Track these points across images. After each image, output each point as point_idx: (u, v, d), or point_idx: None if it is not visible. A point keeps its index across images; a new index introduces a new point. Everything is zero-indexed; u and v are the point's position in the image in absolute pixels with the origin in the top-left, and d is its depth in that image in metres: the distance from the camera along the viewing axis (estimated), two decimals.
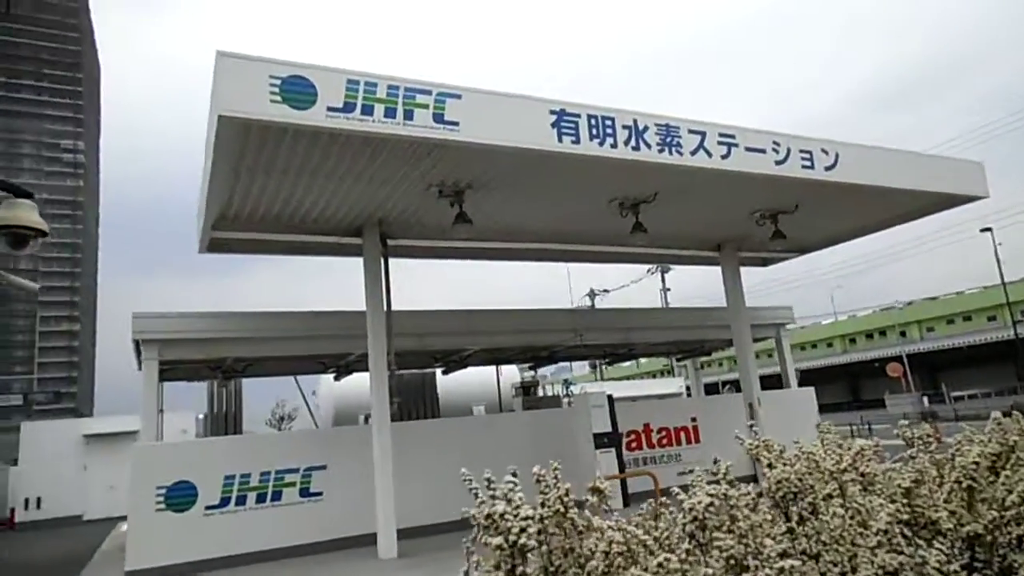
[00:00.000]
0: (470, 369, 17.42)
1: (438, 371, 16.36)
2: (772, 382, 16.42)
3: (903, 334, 60.70)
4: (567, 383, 23.51)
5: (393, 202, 9.02)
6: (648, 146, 7.84)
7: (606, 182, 8.92)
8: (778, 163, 8.73)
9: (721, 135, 8.34)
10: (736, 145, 8.42)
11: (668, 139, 7.99)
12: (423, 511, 10.16)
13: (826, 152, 9.13)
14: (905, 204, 10.86)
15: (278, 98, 6.06)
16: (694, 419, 13.01)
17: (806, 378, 53.88)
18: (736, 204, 10.50)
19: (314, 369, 13.46)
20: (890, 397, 39.38)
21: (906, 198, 10.38)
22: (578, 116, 7.45)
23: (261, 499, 9.65)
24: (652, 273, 33.79)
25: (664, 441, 12.62)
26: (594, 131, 7.53)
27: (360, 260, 9.64)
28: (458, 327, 11.80)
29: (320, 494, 9.99)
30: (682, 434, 12.82)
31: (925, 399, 38.52)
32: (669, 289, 35.26)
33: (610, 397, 10.70)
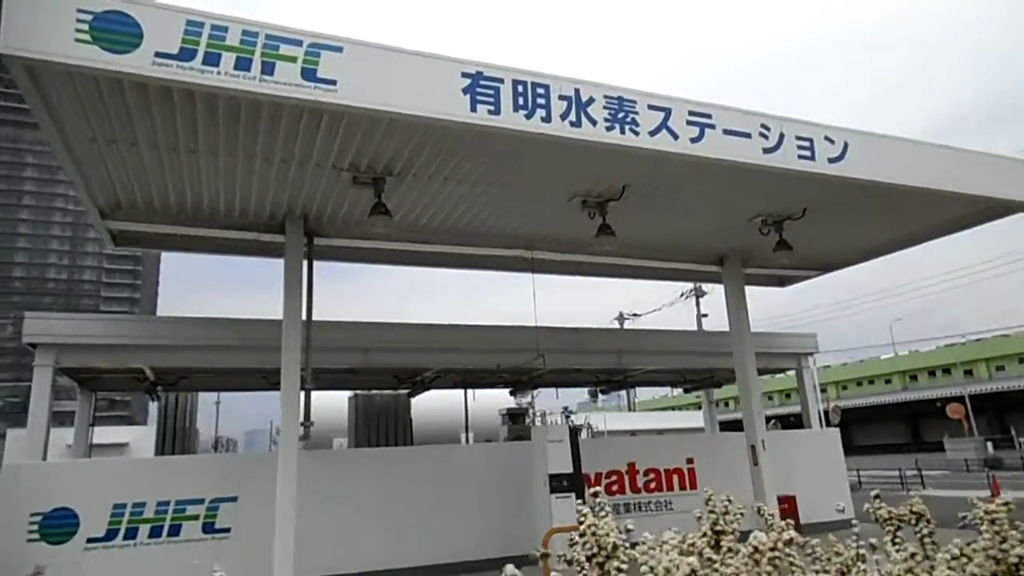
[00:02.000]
0: (459, 393, 15.98)
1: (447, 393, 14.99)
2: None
3: (969, 372, 56.37)
4: (567, 412, 21.68)
5: (311, 192, 7.73)
6: (593, 122, 6.32)
7: (556, 171, 7.42)
8: (767, 151, 7.07)
9: (692, 113, 6.76)
10: (711, 126, 6.82)
11: (620, 115, 6.46)
12: (348, 556, 8.75)
13: (831, 140, 7.43)
14: (939, 211, 9.00)
15: (87, 37, 4.80)
16: (691, 460, 11.19)
17: (860, 416, 50.53)
18: (730, 206, 8.82)
19: (258, 384, 12.24)
20: (949, 441, 35.91)
21: (939, 202, 8.53)
22: (500, 81, 6.00)
23: (155, 533, 8.37)
24: (686, 297, 31.75)
25: (652, 485, 10.84)
26: (520, 100, 6.06)
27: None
28: (406, 342, 10.36)
29: (227, 530, 8.65)
30: (675, 477, 11.02)
31: (990, 444, 35.00)
32: (706, 315, 32.98)
33: (574, 431, 9.05)
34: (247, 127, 6.15)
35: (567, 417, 20.81)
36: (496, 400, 16.40)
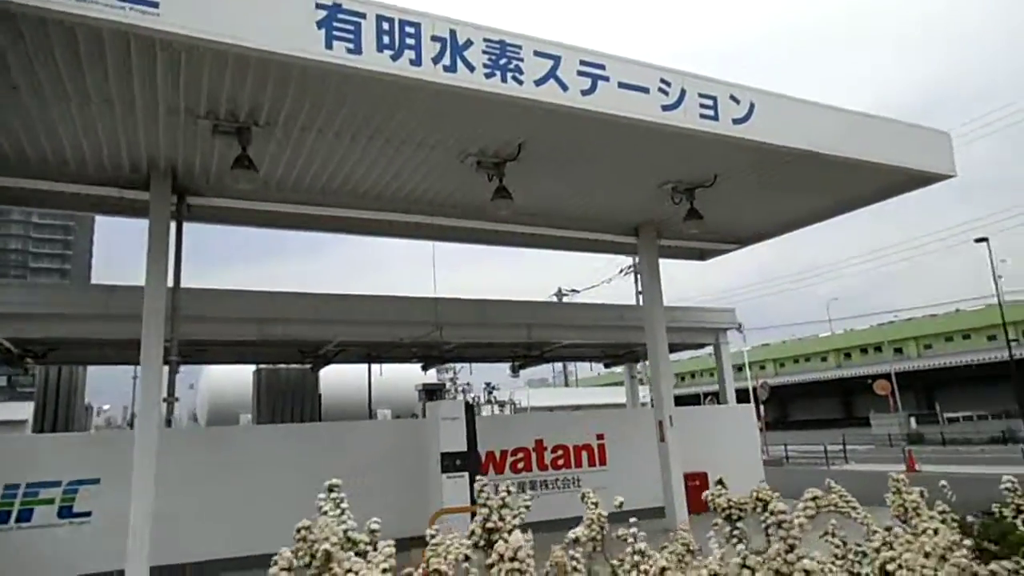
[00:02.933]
0: (384, 368, 15.39)
1: (365, 367, 14.30)
2: (742, 396, 14.31)
3: (899, 351, 58.28)
4: (489, 387, 21.33)
5: (170, 143, 6.92)
6: (471, 68, 5.71)
7: (440, 125, 6.80)
8: (666, 108, 6.58)
9: (584, 63, 6.20)
10: (605, 78, 6.28)
11: (502, 61, 5.86)
12: (226, 541, 8.11)
13: (736, 100, 6.99)
14: (855, 180, 8.66)
15: None
16: (601, 436, 10.85)
17: (797, 392, 52.13)
18: (638, 171, 8.35)
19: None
20: (875, 416, 37.02)
21: (851, 173, 8.19)
22: (361, 16, 5.33)
23: (2, 519, 7.56)
24: (624, 273, 31.58)
25: (560, 462, 10.47)
26: (386, 39, 5.40)
27: None
28: (302, 313, 9.66)
29: (88, 514, 7.90)
30: (584, 454, 10.67)
31: (913, 420, 36.17)
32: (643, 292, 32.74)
33: (471, 407, 8.56)
34: (66, 59, 5.33)
35: (490, 392, 20.43)
36: (416, 375, 15.84)
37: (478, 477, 2.66)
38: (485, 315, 10.67)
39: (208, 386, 14.93)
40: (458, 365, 19.79)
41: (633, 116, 6.38)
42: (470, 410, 8.48)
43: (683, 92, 6.68)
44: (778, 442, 30.68)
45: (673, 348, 14.10)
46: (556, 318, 11.58)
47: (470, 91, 5.72)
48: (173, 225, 7.71)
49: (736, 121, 6.95)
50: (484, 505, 2.32)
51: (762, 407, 25.20)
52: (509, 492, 2.38)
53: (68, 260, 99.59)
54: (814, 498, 2.12)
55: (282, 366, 12.98)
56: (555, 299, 32.14)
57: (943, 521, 2.56)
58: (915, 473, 18.06)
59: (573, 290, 31.72)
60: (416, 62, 5.49)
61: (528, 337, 11.33)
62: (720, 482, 3.19)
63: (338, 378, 14.16)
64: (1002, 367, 43.79)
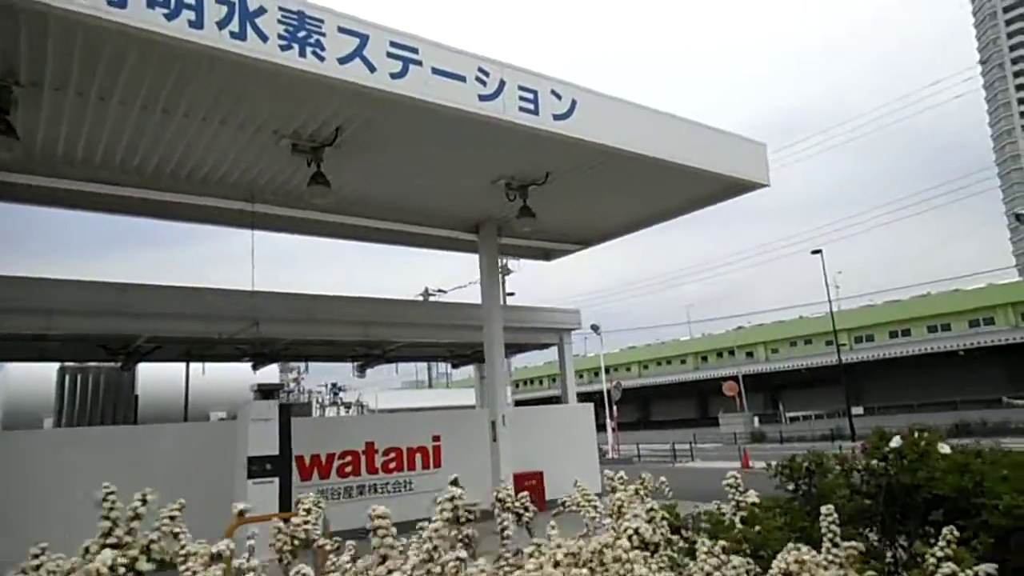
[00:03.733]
0: (219, 367, 14.36)
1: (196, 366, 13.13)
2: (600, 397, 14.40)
3: (750, 354, 62.45)
4: (335, 388, 20.69)
5: None
6: (263, 38, 5.25)
7: (243, 100, 6.27)
8: (483, 98, 6.41)
9: (395, 44, 5.90)
10: (418, 62, 6.01)
11: (301, 34, 5.44)
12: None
13: (558, 95, 6.93)
14: (682, 185, 8.91)
15: None
16: (436, 438, 10.58)
17: (658, 393, 54.55)
18: (466, 165, 8.17)
19: None
20: (724, 416, 39.42)
21: (679, 176, 8.40)
22: None
23: None
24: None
25: (391, 465, 10.09)
26: None
27: None
28: (97, 305, 8.69)
29: None
30: (418, 456, 10.35)
31: (756, 419, 38.79)
32: (512, 294, 33.01)
33: (286, 408, 8.03)
34: None
35: (335, 394, 19.72)
36: (253, 375, 14.90)
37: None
38: (313, 311, 10.10)
39: (4, 385, 13.27)
40: (303, 365, 18.98)
41: (447, 104, 6.15)
42: (285, 411, 7.93)
43: (502, 83, 6.53)
44: (637, 441, 31.86)
45: (519, 348, 14.12)
46: (395, 316, 11.17)
47: (262, 63, 5.26)
48: None
49: (557, 117, 6.89)
50: (106, 517, 1.93)
51: (615, 407, 25.99)
52: (144, 502, 2.01)
53: None
54: (451, 498, 1.93)
55: (92, 364, 11.75)
56: (421, 299, 31.66)
57: (651, 520, 2.45)
58: (748, 469, 19.20)
59: (440, 290, 31.42)
60: (196, 24, 4.97)
61: (365, 336, 10.87)
62: (455, 482, 2.97)
63: (161, 378, 13.03)
64: (836, 370, 47.98)
